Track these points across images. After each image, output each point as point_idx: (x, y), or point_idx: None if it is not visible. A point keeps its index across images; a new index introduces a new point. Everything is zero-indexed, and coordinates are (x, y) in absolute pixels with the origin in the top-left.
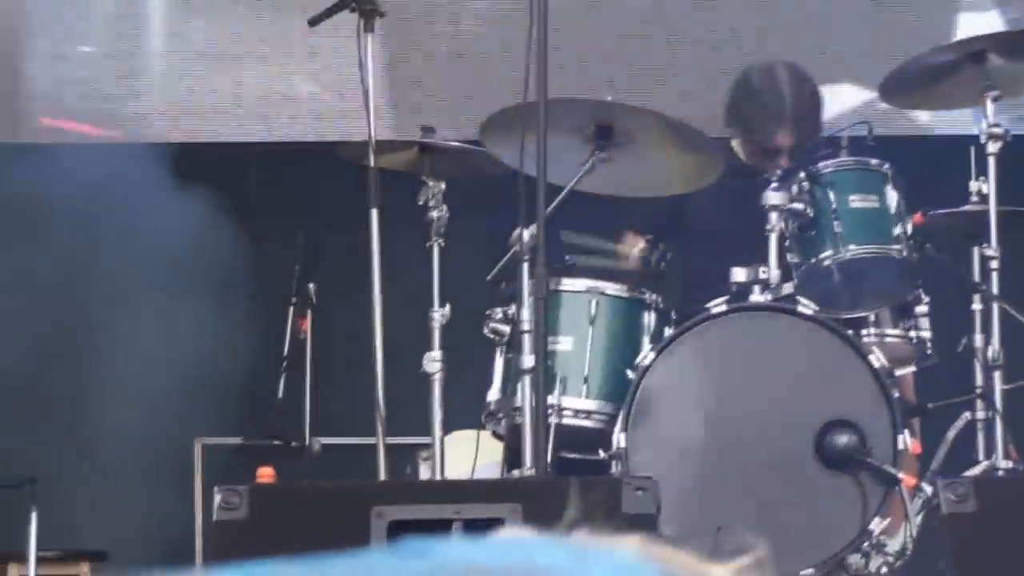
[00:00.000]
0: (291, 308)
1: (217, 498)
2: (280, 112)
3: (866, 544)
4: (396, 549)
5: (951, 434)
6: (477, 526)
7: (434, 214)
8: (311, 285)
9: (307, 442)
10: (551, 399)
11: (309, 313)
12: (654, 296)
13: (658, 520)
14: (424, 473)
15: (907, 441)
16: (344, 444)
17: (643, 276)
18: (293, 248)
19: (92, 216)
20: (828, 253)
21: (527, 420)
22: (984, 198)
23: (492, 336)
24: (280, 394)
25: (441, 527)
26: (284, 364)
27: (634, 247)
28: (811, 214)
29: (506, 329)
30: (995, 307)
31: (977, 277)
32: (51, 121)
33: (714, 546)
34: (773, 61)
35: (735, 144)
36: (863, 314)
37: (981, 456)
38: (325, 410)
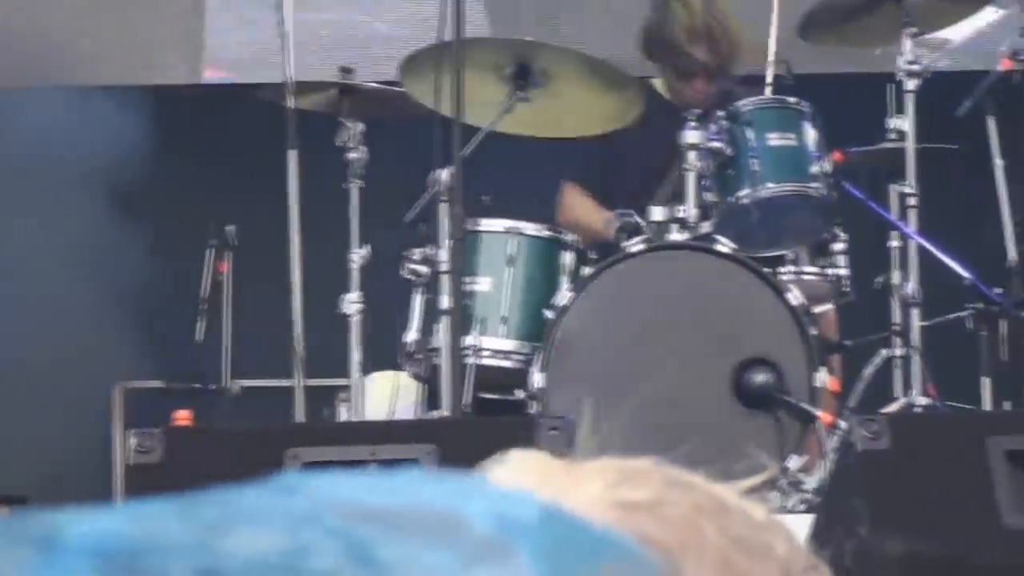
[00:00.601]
0: (210, 251)
1: (132, 441)
2: (201, 54)
3: (783, 481)
4: (269, 485)
5: (868, 371)
6: (392, 467)
7: (352, 155)
8: (229, 227)
9: (226, 384)
10: (469, 339)
11: (228, 255)
12: (572, 236)
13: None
14: (342, 415)
15: (824, 379)
16: (263, 386)
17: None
18: (212, 190)
19: (10, 155)
20: (746, 191)
21: (445, 361)
22: (902, 135)
23: (410, 277)
24: (199, 336)
25: (355, 468)
26: (203, 307)
27: (582, 202)
28: (729, 153)
29: (424, 270)
30: (912, 244)
31: (895, 214)
32: None
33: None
34: None
35: (657, 82)
36: (781, 252)
37: (899, 393)
38: (244, 352)
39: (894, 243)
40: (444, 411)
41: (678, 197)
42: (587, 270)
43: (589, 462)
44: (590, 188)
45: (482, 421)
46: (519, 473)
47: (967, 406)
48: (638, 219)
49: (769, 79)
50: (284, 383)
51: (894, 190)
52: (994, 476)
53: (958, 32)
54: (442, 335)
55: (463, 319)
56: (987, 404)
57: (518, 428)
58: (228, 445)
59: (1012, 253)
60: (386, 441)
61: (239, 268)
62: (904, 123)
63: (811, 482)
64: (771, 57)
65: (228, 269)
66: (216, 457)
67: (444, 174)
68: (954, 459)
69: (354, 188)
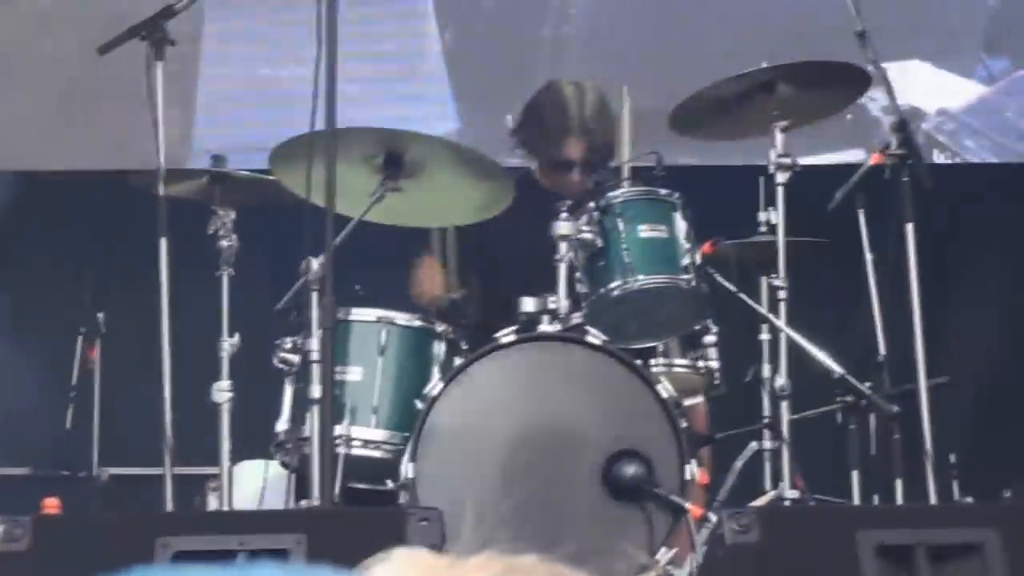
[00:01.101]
0: (80, 337)
1: None
2: (70, 139)
3: (653, 574)
4: None
5: (739, 464)
6: (261, 557)
7: (224, 243)
8: (100, 314)
9: (95, 472)
10: (339, 429)
11: (98, 343)
12: (444, 326)
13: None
14: (212, 503)
15: (695, 471)
16: (133, 474)
17: (443, 312)
18: (83, 276)
19: None
20: (617, 283)
21: (315, 450)
22: (773, 228)
23: (281, 366)
24: (68, 423)
25: (225, 558)
26: (72, 394)
27: (432, 276)
28: (600, 244)
29: (295, 359)
30: (782, 337)
31: (765, 307)
32: None
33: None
34: (560, 78)
35: (532, 168)
36: (652, 344)
37: (768, 486)
38: (114, 440)
39: (764, 336)
40: (314, 501)
41: (549, 288)
42: (458, 360)
43: (472, 558)
44: (447, 265)
45: (352, 512)
46: (403, 570)
47: (836, 500)
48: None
49: (626, 173)
50: (154, 471)
51: (765, 282)
52: (864, 570)
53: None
54: (313, 424)
55: (334, 408)
56: (856, 498)
57: (388, 519)
58: (98, 533)
59: (882, 347)
60: (256, 531)
61: (109, 355)
62: (775, 216)
63: (681, 574)
64: (626, 153)
65: (98, 355)
66: (85, 546)
67: (315, 263)
68: (824, 552)
69: (225, 276)
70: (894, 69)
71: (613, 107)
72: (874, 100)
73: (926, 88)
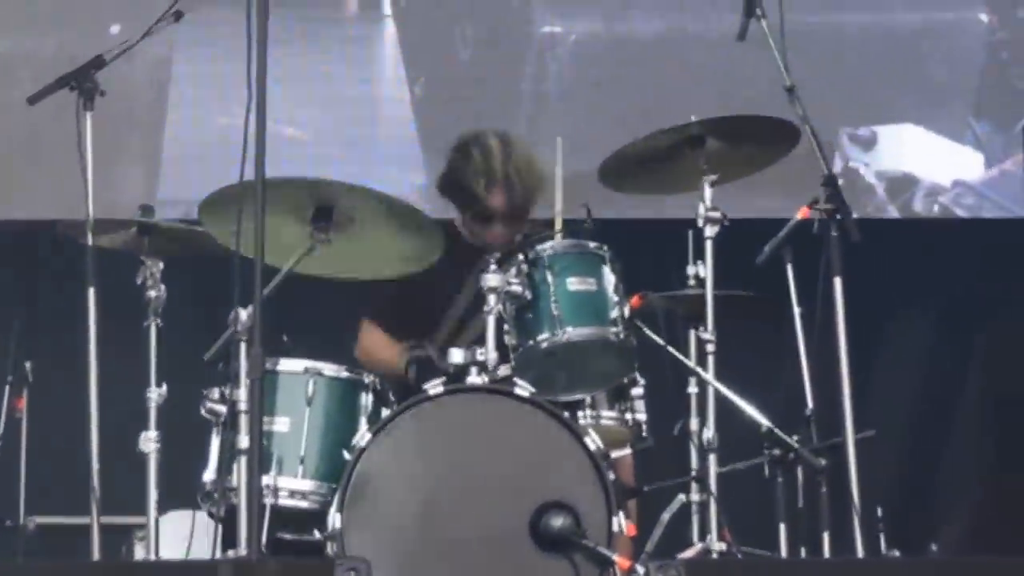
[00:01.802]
0: (7, 386)
1: None
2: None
3: None
4: None
5: (666, 516)
6: None
7: (152, 293)
8: (27, 363)
9: (21, 521)
10: (267, 479)
11: (25, 392)
12: (372, 377)
13: None
14: (139, 553)
15: (622, 523)
16: (59, 524)
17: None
18: (10, 326)
19: None
20: (545, 335)
21: (242, 501)
22: (701, 281)
23: (209, 416)
24: None
25: None
26: None
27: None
28: (529, 296)
29: (222, 409)
30: (710, 390)
31: (693, 360)
32: None
33: None
34: (485, 130)
35: (456, 221)
36: (580, 396)
37: (695, 538)
38: (40, 489)
39: (692, 389)
40: (241, 550)
41: (478, 340)
42: (386, 411)
43: None
44: (388, 327)
45: (280, 562)
46: None
47: (763, 552)
48: (430, 351)
49: (558, 226)
50: (80, 520)
51: (693, 335)
52: None
53: None
54: (241, 474)
55: (261, 459)
56: (784, 550)
57: (316, 570)
58: None
59: (810, 400)
60: None
61: (36, 404)
62: (703, 269)
63: None
64: (558, 206)
65: (25, 405)
66: None
67: (243, 314)
68: None
69: (153, 326)
70: (888, 133)
71: (540, 162)
72: (867, 165)
73: (919, 153)
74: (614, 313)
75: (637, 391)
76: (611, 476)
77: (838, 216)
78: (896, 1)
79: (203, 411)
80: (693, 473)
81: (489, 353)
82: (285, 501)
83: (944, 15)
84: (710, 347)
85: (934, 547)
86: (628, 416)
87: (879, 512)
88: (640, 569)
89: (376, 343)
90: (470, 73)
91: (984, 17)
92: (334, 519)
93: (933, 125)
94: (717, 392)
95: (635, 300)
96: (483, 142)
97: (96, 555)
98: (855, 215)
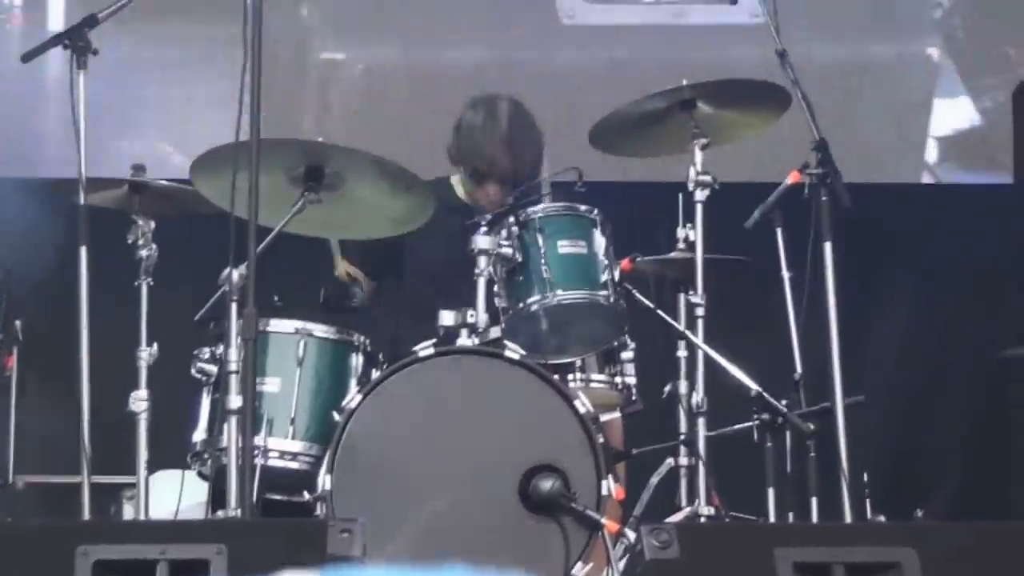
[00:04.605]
0: None
1: None
2: None
3: None
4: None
5: (654, 480)
6: (182, 567)
7: (143, 253)
8: (17, 322)
9: (11, 480)
10: (257, 440)
11: (15, 350)
12: (362, 338)
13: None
14: (128, 512)
15: (611, 486)
16: (49, 483)
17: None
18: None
19: None
20: (536, 298)
21: (232, 461)
22: (691, 245)
23: (199, 376)
24: None
25: (146, 567)
26: None
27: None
28: (520, 259)
29: (213, 369)
30: (699, 354)
31: (683, 324)
32: None
33: None
34: (499, 93)
35: (454, 180)
36: (570, 359)
37: (684, 502)
38: (30, 448)
39: (682, 353)
40: (231, 511)
41: (468, 301)
42: (376, 373)
43: None
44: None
45: (272, 523)
46: None
47: (751, 516)
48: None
49: (546, 189)
50: (70, 480)
51: (683, 299)
52: None
53: None
54: (231, 435)
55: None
56: (772, 515)
57: (309, 531)
58: (17, 541)
59: (799, 365)
60: (177, 540)
61: (26, 363)
62: (693, 233)
63: None
64: (546, 169)
65: (15, 363)
66: (3, 552)
67: (235, 274)
68: (743, 569)
69: (144, 285)
70: None
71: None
72: None
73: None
74: (604, 276)
75: (627, 354)
76: (600, 439)
77: (828, 181)
78: None
79: (193, 371)
80: (682, 437)
81: (479, 315)
82: (275, 462)
83: None
84: (700, 311)
85: (919, 513)
86: (618, 379)
87: (865, 477)
88: (629, 532)
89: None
90: None
91: None
92: (324, 480)
93: None
94: (706, 356)
95: (625, 263)
96: (492, 103)
97: (86, 514)
98: (845, 180)
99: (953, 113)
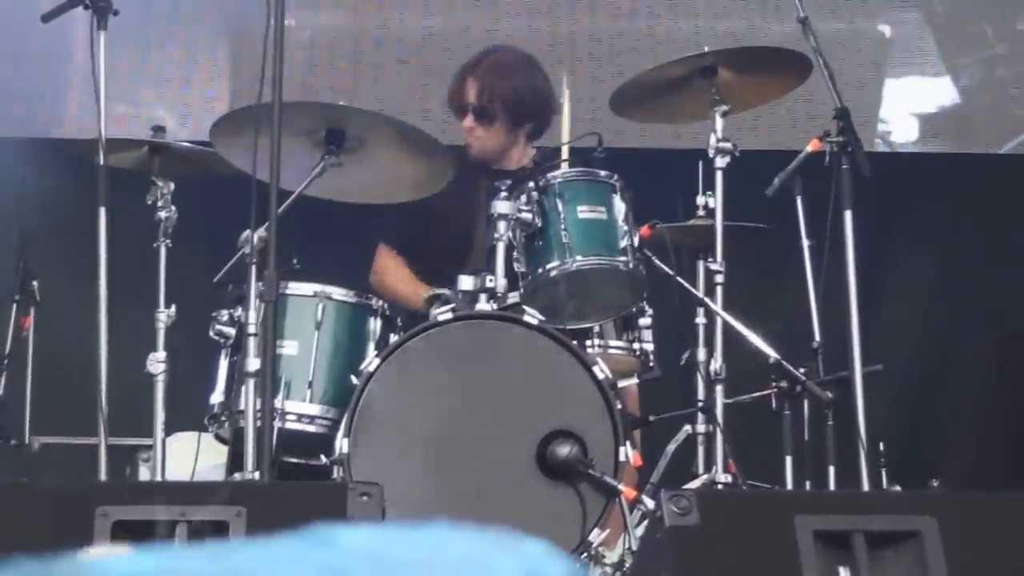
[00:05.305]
0: (14, 305)
1: None
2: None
3: (585, 555)
4: (301, 536)
5: (672, 447)
6: (202, 528)
7: (162, 214)
8: (35, 282)
9: (27, 440)
10: (275, 403)
11: (32, 311)
12: (381, 302)
13: None
14: (144, 474)
15: (628, 453)
16: (65, 444)
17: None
18: (18, 243)
19: None
20: (555, 263)
21: (250, 424)
22: (711, 212)
23: (217, 338)
24: (1, 392)
25: (166, 528)
26: (5, 362)
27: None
28: (539, 224)
29: (232, 332)
30: (718, 321)
31: (702, 291)
32: None
33: None
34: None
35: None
36: (588, 325)
37: (701, 470)
38: (46, 409)
39: (700, 320)
40: (248, 473)
41: (487, 266)
42: (394, 337)
43: None
44: (402, 251)
45: (292, 486)
46: None
47: (767, 485)
48: (449, 294)
49: (565, 155)
50: (86, 440)
51: (702, 266)
52: (802, 554)
53: None
54: (248, 397)
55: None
56: (789, 483)
57: (328, 494)
58: (34, 501)
59: (817, 334)
60: (196, 502)
61: (43, 324)
62: (713, 200)
63: (612, 556)
64: (567, 134)
65: (32, 324)
66: (21, 513)
67: (254, 236)
68: (763, 537)
69: (163, 247)
70: None
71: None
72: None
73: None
74: (624, 242)
75: (645, 321)
76: (618, 405)
77: (849, 149)
78: None
79: (211, 333)
80: (700, 404)
81: (498, 280)
82: (292, 425)
83: None
84: (719, 278)
85: (935, 483)
86: (636, 346)
87: (881, 447)
88: (646, 499)
89: (395, 273)
90: None
91: None
92: (341, 444)
93: None
94: (725, 323)
95: (645, 230)
96: (494, 47)
97: (103, 475)
98: (866, 148)
99: (935, 90)
